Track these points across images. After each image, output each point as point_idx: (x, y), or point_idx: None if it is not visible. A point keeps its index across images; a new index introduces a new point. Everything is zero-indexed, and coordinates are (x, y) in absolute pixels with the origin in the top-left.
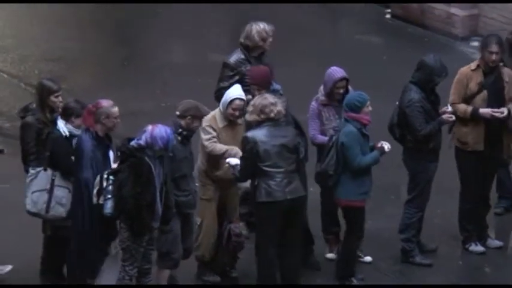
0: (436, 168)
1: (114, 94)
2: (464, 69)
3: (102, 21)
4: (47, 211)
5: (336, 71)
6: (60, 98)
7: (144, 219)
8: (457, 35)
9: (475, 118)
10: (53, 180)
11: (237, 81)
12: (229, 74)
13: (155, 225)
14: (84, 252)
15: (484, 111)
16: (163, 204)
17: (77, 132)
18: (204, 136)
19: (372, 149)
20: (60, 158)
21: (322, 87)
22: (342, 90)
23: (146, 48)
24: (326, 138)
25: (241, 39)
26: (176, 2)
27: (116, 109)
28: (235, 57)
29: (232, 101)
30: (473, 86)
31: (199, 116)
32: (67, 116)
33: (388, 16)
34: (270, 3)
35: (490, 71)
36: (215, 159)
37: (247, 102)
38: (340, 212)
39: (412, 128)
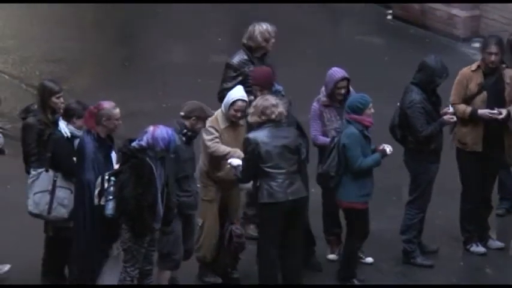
0: (437, 169)
1: (114, 95)
2: (465, 70)
3: (103, 22)
4: (49, 212)
5: (337, 71)
6: (61, 99)
7: (145, 220)
8: (458, 36)
9: (473, 119)
10: (54, 181)
11: (240, 82)
12: (233, 75)
13: (156, 226)
14: (85, 253)
15: (482, 112)
16: (164, 205)
17: (78, 133)
18: (206, 137)
19: (374, 151)
20: (62, 159)
21: (323, 88)
22: (343, 91)
23: (147, 49)
24: (327, 139)
25: (244, 40)
26: (176, 2)
27: (117, 111)
28: (238, 58)
29: (234, 102)
30: (473, 87)
31: (203, 117)
32: (68, 117)
33: (389, 17)
34: (270, 3)
35: (490, 72)
36: (217, 160)
37: (249, 103)
38: (341, 213)
39: (413, 129)
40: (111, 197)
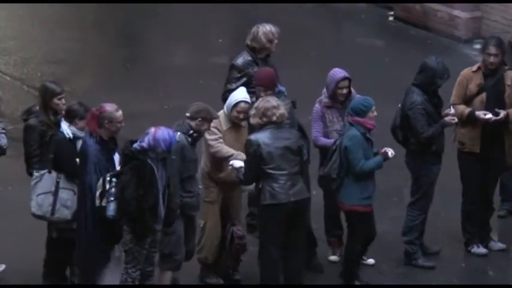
0: (439, 170)
1: (116, 96)
2: (466, 71)
3: (104, 22)
4: (52, 213)
5: (338, 72)
6: (63, 100)
7: (146, 221)
8: (459, 37)
9: (471, 120)
10: (57, 182)
11: (245, 83)
12: (237, 76)
13: (158, 227)
14: (87, 254)
15: (478, 114)
16: (165, 206)
17: (80, 134)
18: (209, 137)
19: (376, 155)
20: (65, 160)
21: (325, 90)
22: (344, 91)
23: (148, 50)
24: (328, 141)
25: (248, 41)
26: (176, 2)
27: (119, 113)
28: (242, 59)
29: (237, 103)
30: (472, 88)
31: (209, 119)
32: (70, 118)
33: (390, 18)
34: (270, 3)
35: (490, 73)
36: (219, 161)
37: (252, 104)
38: (343, 214)
39: (415, 130)
40: (112, 199)
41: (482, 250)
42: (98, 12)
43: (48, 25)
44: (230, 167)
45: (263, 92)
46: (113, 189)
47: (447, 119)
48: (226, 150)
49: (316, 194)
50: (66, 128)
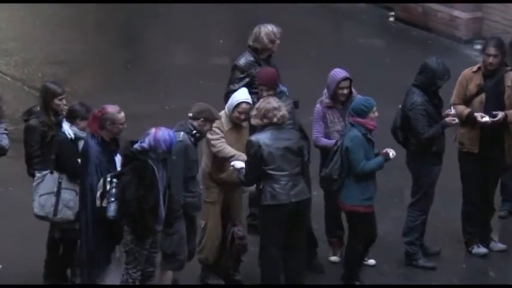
0: (439, 171)
1: (116, 97)
2: (466, 71)
3: (104, 23)
4: (55, 214)
5: (339, 72)
6: (64, 101)
7: (147, 222)
8: (460, 37)
9: (470, 121)
10: (59, 183)
11: (247, 84)
12: (240, 77)
13: (158, 228)
14: (88, 255)
15: (476, 115)
16: (166, 207)
17: (82, 134)
18: (212, 136)
19: (377, 155)
20: (66, 160)
21: (326, 90)
22: (345, 91)
23: (149, 51)
24: (329, 141)
25: (250, 42)
26: (177, 2)
27: (121, 115)
28: (245, 59)
29: (238, 104)
30: (472, 88)
31: (211, 119)
32: (72, 118)
33: (391, 19)
34: (270, 3)
35: (490, 74)
36: (220, 162)
37: (253, 105)
38: (343, 215)
39: (415, 131)
40: (113, 199)
41: (482, 250)
42: (98, 12)
43: (49, 26)
44: (231, 168)
45: (265, 92)
46: (114, 190)
47: (448, 119)
48: (229, 150)
49: (317, 195)
50: (67, 129)
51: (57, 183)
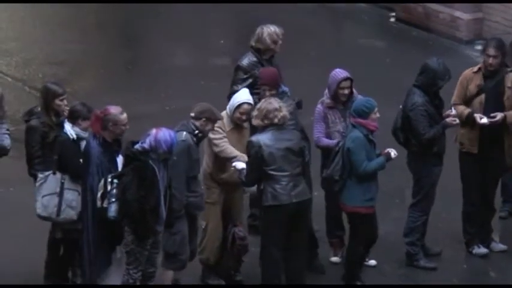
0: (440, 171)
1: (117, 97)
2: (467, 71)
3: (105, 23)
4: (58, 214)
5: (339, 72)
6: (65, 102)
7: (148, 222)
8: (461, 38)
9: (470, 121)
10: (62, 183)
11: (250, 84)
12: (243, 77)
13: (159, 228)
14: (89, 255)
15: (475, 116)
16: (167, 207)
17: (84, 134)
18: (214, 136)
19: (379, 156)
20: (69, 161)
21: (327, 90)
22: (346, 91)
23: (149, 51)
24: (331, 141)
25: (252, 43)
26: (177, 2)
27: (124, 116)
28: (248, 60)
29: (240, 105)
30: (472, 88)
31: (213, 119)
32: (74, 118)
33: (392, 19)
34: (270, 3)
35: (490, 74)
36: (221, 162)
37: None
38: (344, 215)
39: (416, 132)
40: (113, 200)
41: (483, 250)
42: (99, 13)
43: (49, 26)
44: (233, 168)
45: (268, 92)
46: (115, 191)
47: (448, 120)
48: (231, 150)
49: (318, 195)
50: (69, 129)
51: (59, 184)
